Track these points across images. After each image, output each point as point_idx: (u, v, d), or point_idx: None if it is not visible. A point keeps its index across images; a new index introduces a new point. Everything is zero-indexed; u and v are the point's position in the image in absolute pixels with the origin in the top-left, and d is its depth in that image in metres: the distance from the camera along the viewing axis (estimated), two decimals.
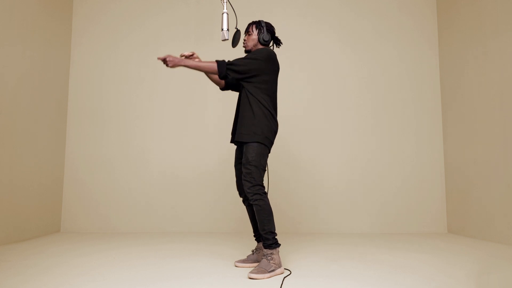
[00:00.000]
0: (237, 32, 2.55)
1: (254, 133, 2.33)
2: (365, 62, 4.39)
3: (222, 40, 2.50)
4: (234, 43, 2.54)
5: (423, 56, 4.40)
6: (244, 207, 4.13)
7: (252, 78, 2.36)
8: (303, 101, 4.31)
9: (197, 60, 2.43)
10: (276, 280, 2.13)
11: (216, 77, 2.64)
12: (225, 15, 2.50)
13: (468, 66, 3.90)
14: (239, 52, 4.32)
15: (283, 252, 2.96)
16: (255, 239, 2.59)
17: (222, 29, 2.48)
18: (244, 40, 2.55)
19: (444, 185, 4.25)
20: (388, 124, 4.31)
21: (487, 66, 3.63)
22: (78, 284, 2.00)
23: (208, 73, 2.41)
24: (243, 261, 2.48)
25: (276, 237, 2.34)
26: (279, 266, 2.28)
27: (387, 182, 4.24)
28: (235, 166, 2.57)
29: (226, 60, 2.33)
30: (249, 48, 2.53)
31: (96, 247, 3.15)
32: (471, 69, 3.86)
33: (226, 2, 2.55)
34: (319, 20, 4.44)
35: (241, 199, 2.53)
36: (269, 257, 2.27)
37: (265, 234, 2.30)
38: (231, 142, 2.56)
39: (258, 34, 2.49)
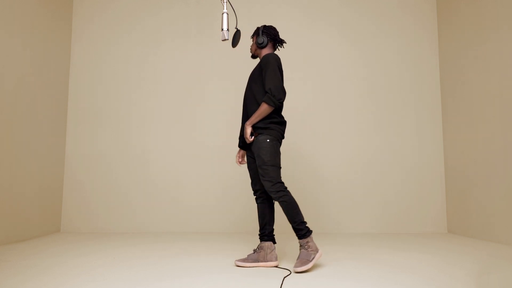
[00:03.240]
0: (237, 32, 2.55)
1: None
2: (365, 62, 4.39)
3: (222, 40, 2.50)
4: (234, 43, 2.55)
5: (423, 56, 4.40)
6: (244, 207, 4.14)
7: (282, 94, 2.47)
8: (303, 100, 4.31)
9: (252, 116, 2.46)
10: (276, 280, 2.12)
11: None
12: (225, 15, 2.50)
13: (468, 66, 3.90)
14: (239, 52, 4.32)
15: (283, 252, 2.96)
16: (259, 238, 2.59)
17: (222, 29, 2.48)
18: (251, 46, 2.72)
19: (444, 185, 4.25)
20: (388, 124, 4.31)
21: (487, 66, 3.63)
22: (78, 284, 2.00)
23: (266, 115, 2.46)
24: (244, 260, 2.48)
25: (307, 225, 2.43)
26: (317, 251, 2.37)
27: (387, 182, 4.24)
28: (248, 167, 2.65)
29: (267, 93, 2.44)
30: (252, 52, 2.69)
31: (96, 247, 3.15)
32: (471, 69, 3.86)
33: (226, 2, 2.55)
34: (319, 20, 4.43)
35: (254, 198, 2.61)
36: (306, 246, 2.36)
37: (297, 226, 2.38)
38: (241, 146, 2.63)
39: (256, 38, 2.62)
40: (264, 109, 2.42)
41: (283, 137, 2.56)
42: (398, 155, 4.28)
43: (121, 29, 4.41)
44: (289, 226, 4.15)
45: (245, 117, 2.58)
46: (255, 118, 2.43)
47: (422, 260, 2.66)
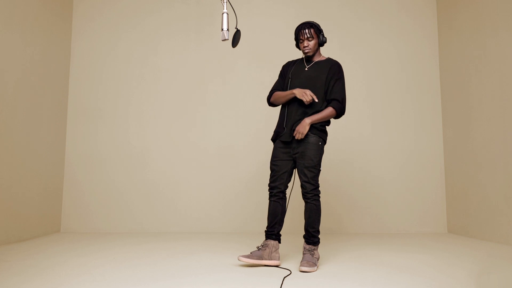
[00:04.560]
0: (237, 32, 2.55)
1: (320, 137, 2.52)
2: (365, 62, 4.38)
3: (222, 40, 2.50)
4: (234, 43, 2.55)
5: (423, 56, 4.40)
6: (244, 207, 4.14)
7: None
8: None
9: (316, 115, 2.48)
10: (276, 279, 2.12)
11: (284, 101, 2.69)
12: (225, 15, 2.49)
13: (468, 66, 3.90)
14: (239, 52, 4.32)
15: (284, 251, 2.96)
16: (266, 235, 2.56)
17: (222, 29, 2.48)
18: (305, 46, 2.55)
19: (444, 185, 4.25)
20: (388, 124, 4.31)
21: (487, 66, 3.63)
22: (78, 284, 2.00)
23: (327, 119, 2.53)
24: (247, 256, 2.46)
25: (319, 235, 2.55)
26: (318, 259, 2.47)
27: (387, 182, 4.24)
28: (274, 162, 2.58)
29: (337, 101, 2.51)
30: (312, 52, 2.56)
31: (96, 247, 3.15)
32: (471, 69, 3.86)
33: (226, 2, 2.55)
34: (319, 20, 4.43)
35: (269, 193, 2.60)
36: (312, 253, 2.44)
37: (313, 232, 2.49)
38: (278, 139, 2.58)
39: (319, 38, 2.56)
40: (331, 113, 2.48)
41: None
42: (398, 155, 4.28)
43: (121, 28, 4.41)
44: (291, 227, 4.15)
45: (300, 114, 2.49)
46: (318, 118, 2.45)
47: (422, 260, 2.66)
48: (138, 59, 4.38)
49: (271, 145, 3.81)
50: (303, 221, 4.12)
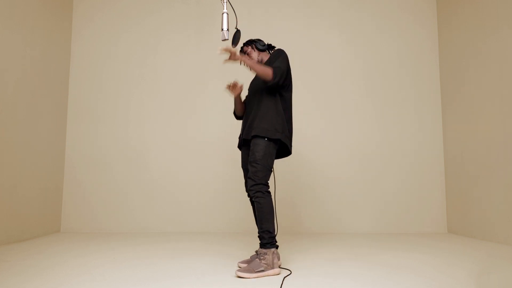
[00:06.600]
0: (237, 32, 2.55)
1: (265, 129, 2.35)
2: (365, 62, 4.38)
3: (222, 40, 2.50)
4: (234, 43, 2.55)
5: (423, 55, 4.40)
6: (243, 207, 4.14)
7: (286, 80, 2.43)
8: (303, 99, 4.31)
9: (253, 62, 2.37)
10: (276, 279, 2.12)
11: (240, 107, 2.66)
12: (225, 15, 2.50)
13: (468, 65, 3.90)
14: (239, 52, 4.32)
15: (284, 251, 2.96)
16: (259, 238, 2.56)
17: (222, 29, 2.48)
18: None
19: (444, 185, 4.25)
20: (388, 124, 4.31)
21: (487, 65, 3.63)
22: (78, 284, 2.00)
23: (260, 75, 2.35)
24: (247, 261, 2.47)
25: (273, 237, 2.28)
26: (272, 267, 2.22)
27: (387, 182, 4.24)
28: (243, 167, 2.60)
29: (276, 67, 2.38)
30: (258, 61, 2.61)
31: (96, 247, 3.15)
32: (471, 68, 3.86)
33: (226, 2, 2.55)
34: (319, 19, 4.43)
35: (249, 198, 2.57)
36: (261, 257, 2.23)
37: (261, 233, 2.28)
38: (240, 146, 2.60)
39: (254, 48, 2.63)
40: (267, 70, 2.31)
41: (282, 143, 2.46)
42: (398, 155, 4.28)
43: (121, 28, 4.41)
44: (284, 225, 4.15)
45: (251, 118, 2.46)
46: (254, 64, 2.31)
47: (422, 260, 2.66)
48: (138, 59, 4.38)
49: None
50: (297, 219, 4.17)
